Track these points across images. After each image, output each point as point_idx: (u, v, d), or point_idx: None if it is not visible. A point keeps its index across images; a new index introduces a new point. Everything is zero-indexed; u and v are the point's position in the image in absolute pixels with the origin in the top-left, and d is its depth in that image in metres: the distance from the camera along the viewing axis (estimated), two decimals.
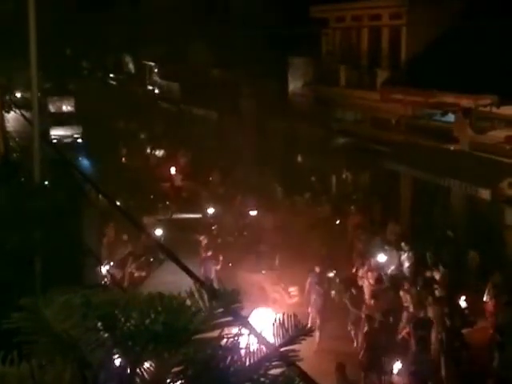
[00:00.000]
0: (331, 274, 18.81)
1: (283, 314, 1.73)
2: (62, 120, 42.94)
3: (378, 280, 17.92)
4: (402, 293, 16.71)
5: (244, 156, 30.67)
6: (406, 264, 19.51)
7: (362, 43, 27.45)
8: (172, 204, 28.18)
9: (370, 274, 18.17)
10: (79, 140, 42.23)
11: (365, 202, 26.02)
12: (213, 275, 19.47)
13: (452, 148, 22.11)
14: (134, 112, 43.69)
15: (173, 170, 32.07)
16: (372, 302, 16.73)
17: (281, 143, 32.12)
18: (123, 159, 37.37)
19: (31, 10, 6.13)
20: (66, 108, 45.99)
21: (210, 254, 20.30)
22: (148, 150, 38.16)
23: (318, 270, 18.11)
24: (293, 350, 1.66)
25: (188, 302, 1.65)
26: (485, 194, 19.69)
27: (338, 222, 24.78)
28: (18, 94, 36.19)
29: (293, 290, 18.66)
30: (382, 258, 19.40)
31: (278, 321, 1.72)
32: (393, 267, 19.37)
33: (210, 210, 26.05)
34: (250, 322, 1.76)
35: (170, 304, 1.60)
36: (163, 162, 34.79)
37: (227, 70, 35.19)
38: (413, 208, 24.69)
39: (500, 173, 19.93)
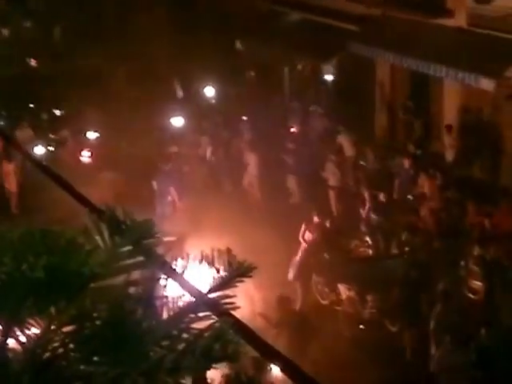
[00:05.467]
0: None
1: (212, 250, 1.71)
2: None
3: None
4: None
5: None
6: None
7: None
8: None
9: None
10: None
11: (325, 102, 26.21)
12: None
13: (445, 24, 22.24)
14: None
15: None
16: None
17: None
18: None
19: None
20: None
21: None
22: None
23: None
24: (226, 296, 1.67)
25: (81, 240, 1.61)
26: (487, 84, 19.96)
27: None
28: None
29: None
30: None
31: (205, 259, 1.71)
32: None
33: None
34: (169, 262, 1.75)
35: (55, 242, 1.57)
36: None
37: None
38: (391, 106, 24.94)
39: (508, 56, 20.15)
